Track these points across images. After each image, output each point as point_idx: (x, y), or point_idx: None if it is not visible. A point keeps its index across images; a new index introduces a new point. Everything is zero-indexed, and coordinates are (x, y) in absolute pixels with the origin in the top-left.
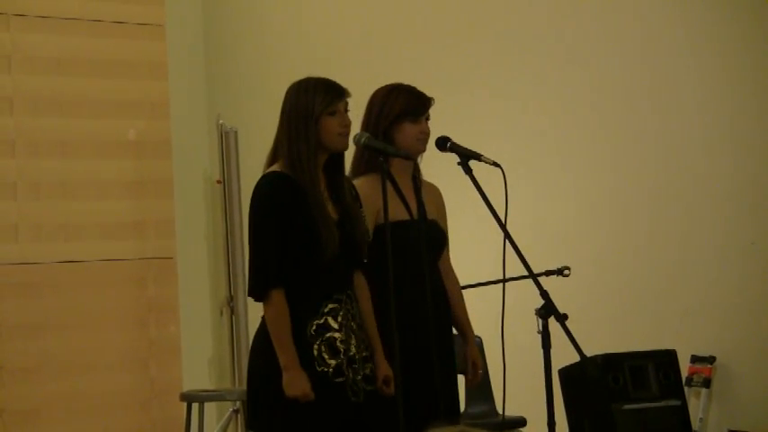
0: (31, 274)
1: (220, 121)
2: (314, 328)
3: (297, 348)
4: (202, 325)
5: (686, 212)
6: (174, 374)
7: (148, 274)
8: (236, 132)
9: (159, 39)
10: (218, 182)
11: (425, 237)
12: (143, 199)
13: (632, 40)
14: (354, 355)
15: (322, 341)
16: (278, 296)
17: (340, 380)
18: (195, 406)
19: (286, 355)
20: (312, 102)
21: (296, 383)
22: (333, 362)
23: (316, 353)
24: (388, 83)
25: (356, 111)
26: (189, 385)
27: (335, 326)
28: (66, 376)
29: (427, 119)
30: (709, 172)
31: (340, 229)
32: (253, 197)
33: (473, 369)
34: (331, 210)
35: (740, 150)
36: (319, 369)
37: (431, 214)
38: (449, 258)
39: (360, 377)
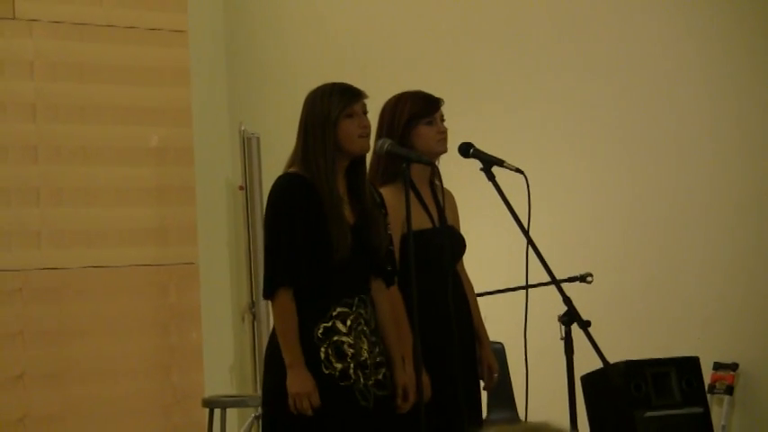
0: (53, 280)
1: (242, 128)
2: (321, 330)
3: (304, 350)
4: (224, 331)
5: (709, 219)
6: (195, 380)
7: (170, 281)
8: (258, 138)
9: (182, 45)
10: (241, 188)
11: (448, 244)
12: (165, 205)
13: (650, 51)
14: (366, 359)
15: (329, 344)
16: (285, 295)
17: (345, 383)
18: (217, 412)
19: (291, 353)
20: (328, 106)
21: (299, 381)
22: (339, 365)
23: (323, 356)
24: (410, 88)
25: (376, 115)
26: (211, 391)
27: (344, 330)
28: (88, 382)
29: (442, 119)
30: (730, 179)
31: (356, 233)
32: (269, 197)
33: (488, 373)
34: (348, 214)
35: (759, 156)
36: (326, 372)
37: (449, 220)
38: (462, 264)
39: (371, 382)
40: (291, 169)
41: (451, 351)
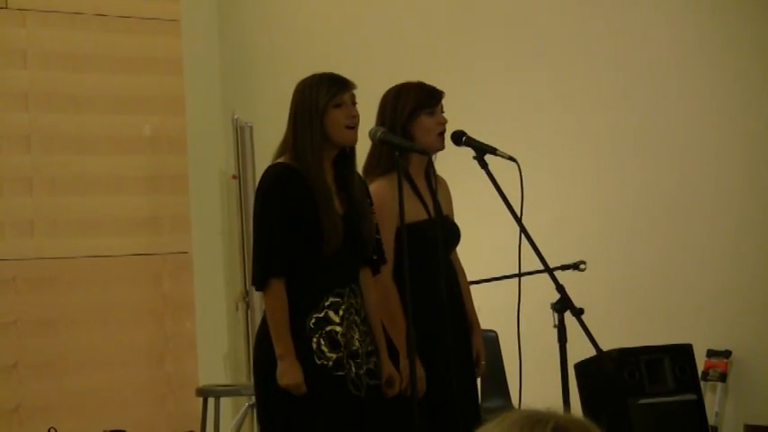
0: (46, 270)
1: (235, 117)
2: (313, 321)
3: (296, 341)
4: (218, 320)
5: (702, 207)
6: (189, 369)
7: (164, 270)
8: (251, 127)
9: (174, 34)
10: (234, 177)
11: (443, 235)
12: (158, 194)
13: (654, 39)
14: (358, 349)
15: (322, 334)
16: (278, 285)
17: (339, 373)
18: (211, 401)
19: (282, 344)
20: (316, 95)
21: (289, 373)
22: (333, 355)
23: (315, 346)
24: (401, 77)
25: (368, 106)
26: (205, 380)
27: (336, 320)
28: (82, 371)
29: (442, 111)
30: (724, 168)
31: (345, 223)
32: (258, 187)
33: (476, 361)
34: (337, 204)
35: (754, 147)
36: (319, 362)
37: (444, 210)
38: (456, 253)
39: (363, 371)
40: (281, 159)
41: (445, 341)
